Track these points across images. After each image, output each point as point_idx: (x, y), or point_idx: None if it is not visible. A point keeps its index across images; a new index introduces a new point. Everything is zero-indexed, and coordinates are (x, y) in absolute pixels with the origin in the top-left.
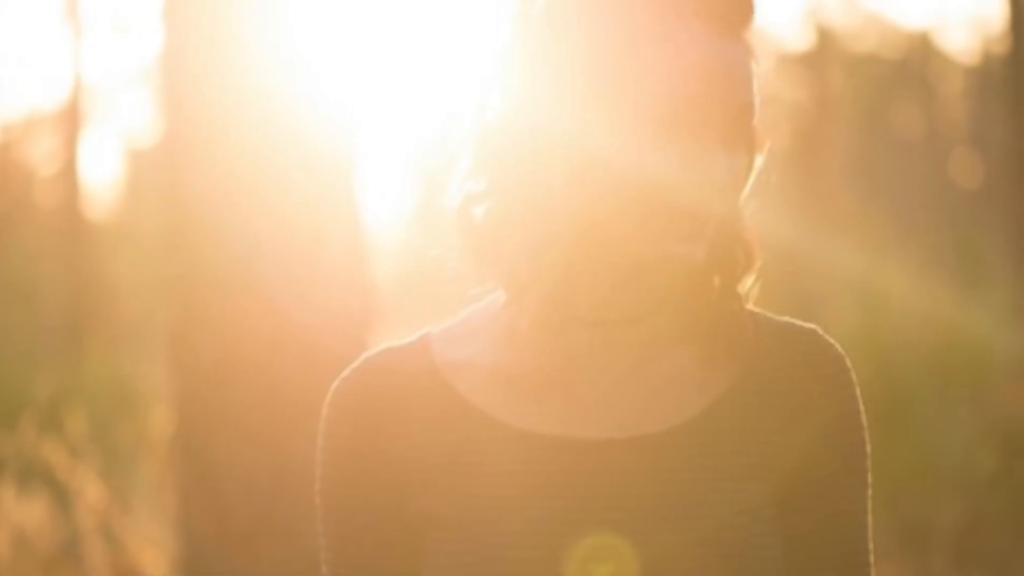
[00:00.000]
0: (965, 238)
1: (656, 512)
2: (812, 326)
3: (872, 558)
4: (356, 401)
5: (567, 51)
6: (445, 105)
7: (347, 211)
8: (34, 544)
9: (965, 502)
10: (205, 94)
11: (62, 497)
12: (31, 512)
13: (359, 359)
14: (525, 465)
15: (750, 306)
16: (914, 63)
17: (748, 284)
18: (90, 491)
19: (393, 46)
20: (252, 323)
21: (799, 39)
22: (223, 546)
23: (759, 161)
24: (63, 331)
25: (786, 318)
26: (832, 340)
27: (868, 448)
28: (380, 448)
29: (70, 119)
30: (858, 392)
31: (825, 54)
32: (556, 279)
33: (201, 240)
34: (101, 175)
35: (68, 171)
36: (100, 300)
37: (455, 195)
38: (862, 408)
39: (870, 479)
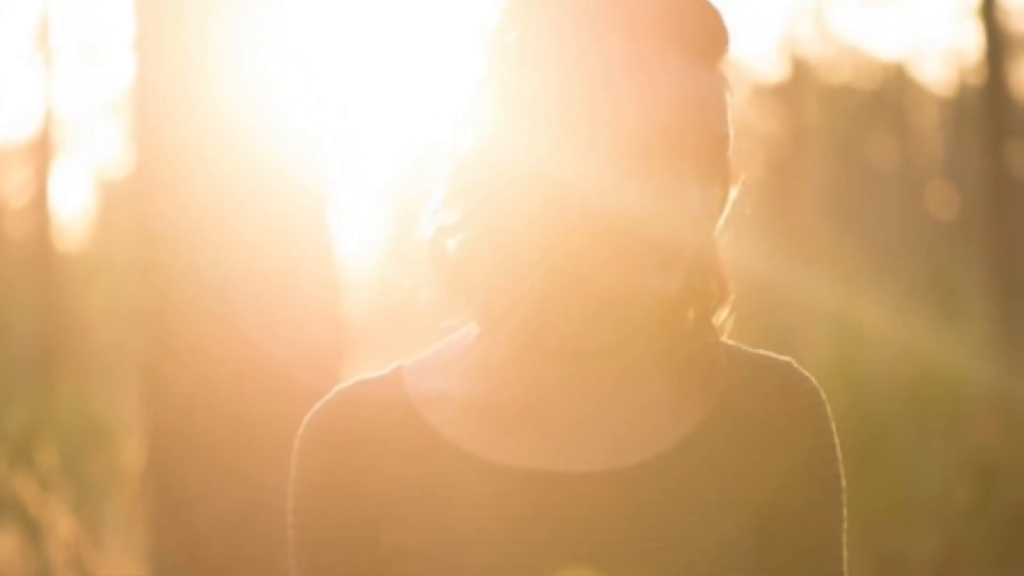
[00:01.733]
0: (940, 270)
1: (630, 546)
2: (787, 359)
3: None
4: (328, 434)
5: (540, 82)
6: (419, 137)
7: (320, 242)
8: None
9: (941, 534)
10: (177, 125)
11: (33, 530)
12: (2, 545)
13: (331, 392)
14: (498, 498)
15: (724, 338)
16: (889, 94)
17: (722, 316)
18: (61, 524)
19: (367, 77)
20: (224, 355)
21: (774, 70)
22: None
23: (733, 192)
24: (34, 363)
25: (761, 350)
26: (807, 372)
27: (843, 481)
28: (352, 481)
29: (41, 150)
30: (833, 425)
31: (800, 85)
32: (529, 311)
33: (173, 271)
34: (72, 206)
35: (39, 202)
36: (71, 332)
37: (428, 227)
38: (837, 440)
39: (845, 512)
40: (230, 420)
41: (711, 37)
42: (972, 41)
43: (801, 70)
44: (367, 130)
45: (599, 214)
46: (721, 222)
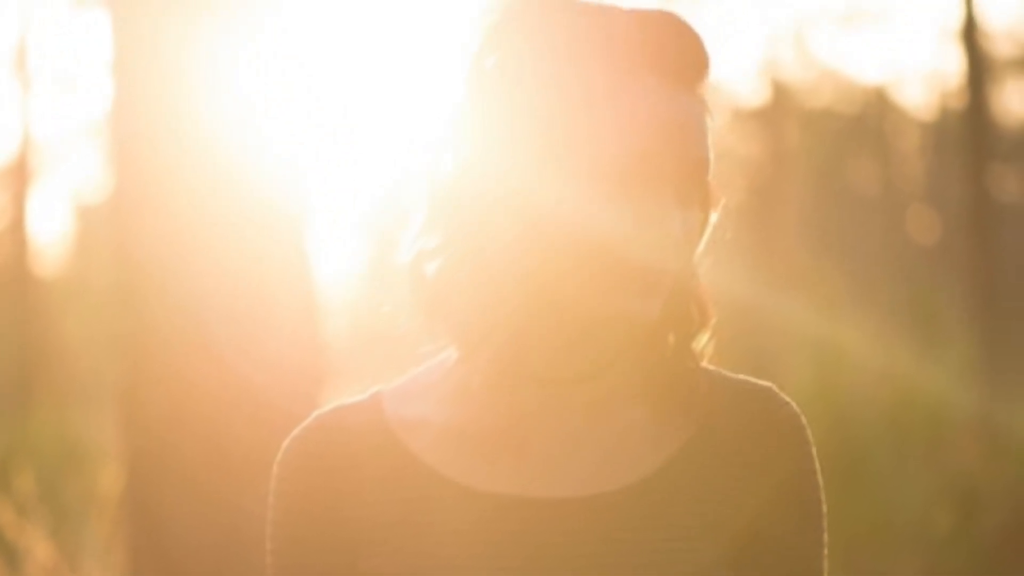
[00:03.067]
0: (921, 294)
1: (608, 572)
2: (767, 384)
3: None
4: (307, 460)
5: (520, 107)
6: (398, 161)
7: (298, 268)
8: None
9: (922, 559)
10: (155, 149)
11: (11, 556)
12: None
13: (310, 417)
14: (477, 524)
15: (705, 363)
16: (870, 118)
17: (703, 341)
18: (39, 550)
19: (346, 102)
20: (201, 379)
21: (754, 94)
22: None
23: (713, 217)
24: (11, 387)
25: (741, 376)
26: (788, 398)
27: (824, 506)
28: (331, 507)
29: (18, 175)
30: (814, 450)
31: (780, 109)
32: (508, 337)
33: (150, 296)
34: (49, 231)
35: (16, 227)
36: (49, 356)
37: (407, 251)
38: (818, 466)
39: (826, 537)
40: (208, 444)
41: (691, 61)
42: (953, 65)
43: (781, 94)
44: (346, 154)
45: (579, 239)
46: (701, 246)
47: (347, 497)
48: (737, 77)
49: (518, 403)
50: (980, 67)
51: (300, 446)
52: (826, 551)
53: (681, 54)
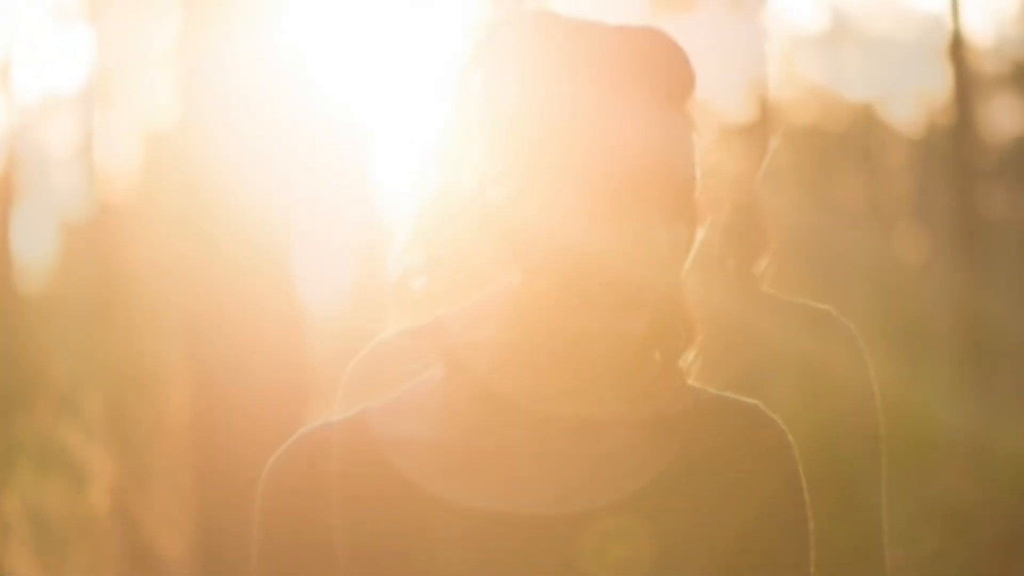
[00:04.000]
0: (909, 312)
1: None
2: (754, 401)
3: None
4: (291, 478)
5: (505, 125)
6: (384, 178)
7: (283, 285)
8: (51, 525)
9: None
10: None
11: (79, 478)
12: (48, 493)
13: (295, 435)
14: (464, 541)
15: (691, 381)
16: (857, 135)
17: (689, 358)
18: (106, 472)
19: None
20: (267, 306)
21: (741, 111)
22: (239, 527)
23: (700, 234)
24: (86, 311)
25: (727, 393)
26: (774, 415)
27: (811, 523)
28: (317, 525)
29: (87, 102)
30: (800, 468)
31: (766, 126)
32: (494, 353)
33: (137, 314)
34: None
35: (85, 153)
36: (123, 283)
37: (394, 268)
38: (804, 483)
39: (813, 554)
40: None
41: (678, 78)
42: (941, 82)
43: (768, 111)
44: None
45: (565, 256)
46: (688, 264)
47: (333, 515)
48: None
49: (502, 421)
50: (968, 84)
51: (284, 464)
52: (813, 569)
53: (668, 71)
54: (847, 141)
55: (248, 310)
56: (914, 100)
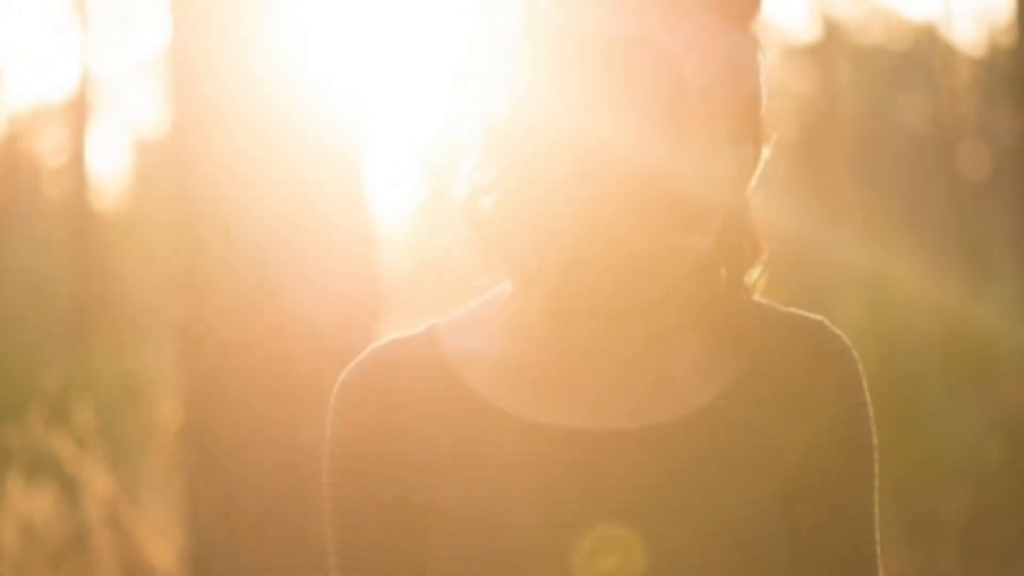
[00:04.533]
0: (971, 230)
1: (663, 504)
2: (819, 317)
3: (879, 550)
4: (363, 393)
5: (573, 44)
6: (453, 97)
7: (355, 202)
8: (42, 536)
9: (972, 494)
10: (213, 85)
11: (70, 488)
12: (39, 503)
13: (366, 351)
14: (532, 457)
15: (757, 297)
16: (920, 55)
17: (755, 276)
18: (98, 482)
19: (401, 37)
20: (259, 314)
21: (806, 31)
22: (231, 536)
23: (766, 153)
24: (70, 322)
25: (793, 309)
26: (839, 332)
27: (875, 440)
28: (387, 440)
29: (78, 110)
30: (865, 384)
31: (831, 46)
32: (562, 271)
33: (208, 231)
34: (109, 167)
35: (76, 162)
36: (108, 291)
37: (463, 186)
38: (869, 400)
39: (877, 471)
40: (266, 378)
41: None
42: (1003, 1)
43: (833, 31)
44: (403, 90)
45: (632, 174)
46: (753, 182)
47: (403, 430)
48: (789, 13)
49: (572, 336)
50: None
51: (356, 379)
52: (876, 485)
53: None
54: (910, 60)
55: (241, 319)
56: (977, 20)
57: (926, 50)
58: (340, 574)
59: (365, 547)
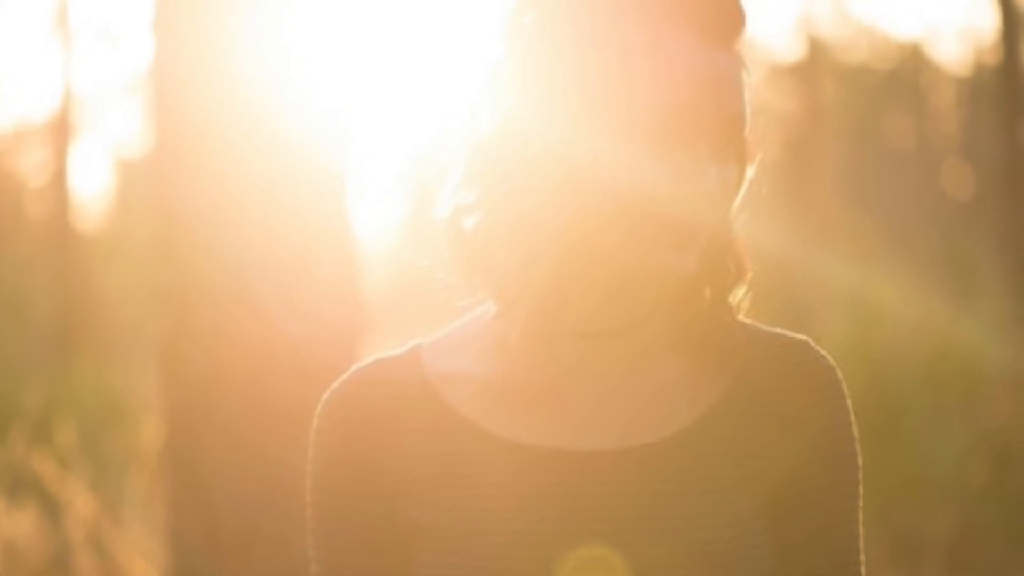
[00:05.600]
0: (957, 249)
1: (646, 524)
2: (803, 337)
3: (864, 569)
4: (346, 412)
5: (558, 62)
6: (437, 116)
7: (338, 221)
8: (24, 555)
9: (957, 513)
10: (195, 104)
11: (52, 508)
12: (21, 523)
13: (349, 370)
14: (515, 476)
15: (741, 317)
16: (906, 73)
17: (739, 295)
18: (80, 502)
19: (385, 57)
20: (242, 334)
21: (790, 49)
22: (213, 557)
23: (750, 172)
24: (53, 342)
25: (777, 329)
26: (823, 351)
27: (859, 459)
28: (370, 459)
29: (60, 130)
30: (849, 403)
31: (816, 64)
32: (546, 290)
33: (191, 251)
34: (91, 186)
35: (58, 182)
36: (90, 311)
37: (446, 206)
38: (853, 419)
39: (861, 490)
40: (248, 398)
41: (728, 17)
42: (988, 20)
43: (817, 49)
44: (385, 109)
45: (616, 193)
46: (738, 201)
47: (386, 449)
48: (773, 32)
49: (556, 356)
50: (1015, 22)
51: (339, 399)
52: (861, 504)
53: (717, 10)
54: (895, 79)
55: (223, 338)
56: (962, 38)
57: (911, 69)
58: None
59: (348, 566)
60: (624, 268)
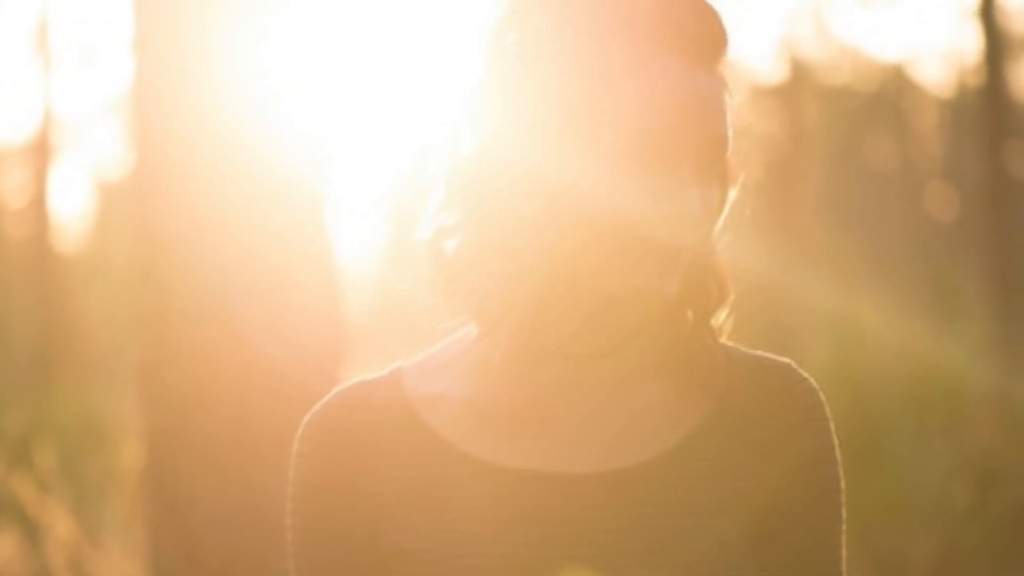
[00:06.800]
0: (940, 270)
1: (628, 547)
2: (786, 360)
3: None
4: (327, 435)
5: (540, 84)
6: (418, 138)
7: (318, 244)
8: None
9: (940, 535)
10: (176, 126)
11: (32, 532)
12: (1, 547)
13: (330, 393)
14: (496, 500)
15: (723, 339)
16: (888, 95)
17: (721, 317)
18: (60, 525)
19: (367, 78)
20: (222, 356)
21: (773, 71)
22: None
23: (732, 193)
24: (32, 364)
25: (760, 352)
26: (806, 374)
27: (842, 482)
28: (351, 482)
29: (40, 152)
30: (832, 426)
31: (799, 86)
32: (528, 313)
33: (171, 273)
34: (71, 208)
35: (38, 204)
36: (70, 333)
37: (427, 228)
38: (836, 442)
39: (844, 513)
40: (229, 422)
41: (710, 38)
42: (971, 42)
43: (800, 71)
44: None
45: (598, 215)
46: (720, 223)
47: (366, 473)
48: (756, 54)
49: (537, 379)
50: (998, 44)
51: (320, 422)
52: (844, 527)
53: (700, 31)
54: (878, 101)
55: (203, 361)
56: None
57: (894, 91)
58: None
59: None
60: (606, 290)
